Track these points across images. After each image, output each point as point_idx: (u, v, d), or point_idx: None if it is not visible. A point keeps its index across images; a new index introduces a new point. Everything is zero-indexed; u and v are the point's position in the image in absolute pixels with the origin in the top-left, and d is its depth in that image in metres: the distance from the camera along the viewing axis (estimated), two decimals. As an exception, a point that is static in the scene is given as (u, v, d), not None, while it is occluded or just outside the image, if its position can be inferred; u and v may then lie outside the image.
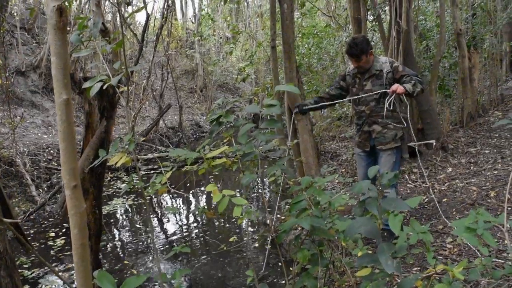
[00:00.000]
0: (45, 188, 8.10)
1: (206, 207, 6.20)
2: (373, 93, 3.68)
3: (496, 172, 5.42)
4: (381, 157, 3.83)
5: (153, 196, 7.89)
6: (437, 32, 8.38)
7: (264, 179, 8.21)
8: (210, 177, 8.93)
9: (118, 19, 12.86)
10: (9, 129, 8.98)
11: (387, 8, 7.50)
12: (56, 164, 9.20)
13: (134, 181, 1.79)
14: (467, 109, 7.91)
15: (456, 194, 4.92)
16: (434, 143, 6.43)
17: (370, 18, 8.68)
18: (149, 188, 1.63)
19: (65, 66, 1.04)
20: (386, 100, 3.51)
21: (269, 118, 1.58)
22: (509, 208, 4.19)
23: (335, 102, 4.05)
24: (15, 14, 13.59)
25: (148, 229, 6.15)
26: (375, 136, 3.79)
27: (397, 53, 6.21)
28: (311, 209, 1.59)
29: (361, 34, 4.64)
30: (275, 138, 1.68)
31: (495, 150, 6.43)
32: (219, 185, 8.70)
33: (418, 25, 8.98)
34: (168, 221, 6.61)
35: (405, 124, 3.59)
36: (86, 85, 1.40)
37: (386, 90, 3.54)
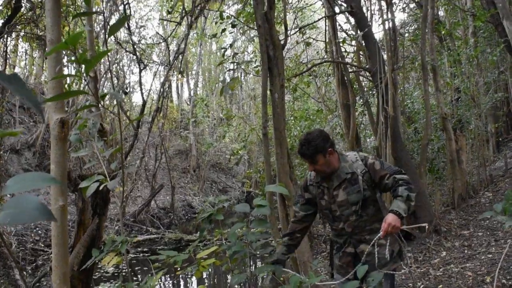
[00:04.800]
0: (30, 271, 7.84)
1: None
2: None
3: (490, 255, 5.37)
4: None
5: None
6: (424, 116, 8.72)
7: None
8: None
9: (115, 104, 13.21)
10: (-3, 208, 8.85)
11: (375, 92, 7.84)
12: (43, 245, 9.00)
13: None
14: (458, 191, 7.99)
15: (452, 279, 4.84)
16: (427, 226, 6.44)
17: (360, 101, 9.03)
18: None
19: (63, 173, 1.10)
20: (387, 249, 2.60)
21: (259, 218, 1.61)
22: (506, 295, 4.12)
23: (307, 225, 3.03)
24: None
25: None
26: (366, 260, 2.70)
27: (385, 137, 6.41)
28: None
29: (317, 128, 3.28)
30: (265, 238, 1.68)
31: (488, 233, 6.42)
32: (210, 269, 8.46)
33: (405, 109, 9.35)
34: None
35: (402, 240, 2.71)
36: (82, 184, 1.45)
37: (379, 233, 2.54)
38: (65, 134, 1.11)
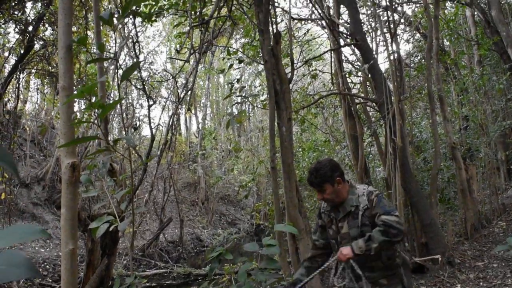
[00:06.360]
0: (37, 307, 7.77)
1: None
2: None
3: (506, 288, 5.24)
4: None
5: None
6: (433, 145, 8.67)
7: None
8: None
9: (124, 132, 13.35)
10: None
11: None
12: (50, 280, 8.93)
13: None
14: (470, 221, 7.85)
15: (468, 314, 4.71)
16: (440, 258, 6.30)
17: (368, 132, 9.04)
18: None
19: (73, 217, 1.11)
20: (333, 274, 2.73)
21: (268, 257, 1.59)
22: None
23: (328, 252, 2.98)
24: (27, 128, 14.15)
25: None
26: None
27: (394, 168, 6.37)
28: None
29: (328, 158, 3.30)
30: (274, 278, 1.66)
31: (503, 264, 6.27)
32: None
33: (413, 139, 9.31)
34: None
35: (405, 280, 2.72)
36: (92, 225, 1.45)
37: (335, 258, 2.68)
38: (76, 178, 1.13)
